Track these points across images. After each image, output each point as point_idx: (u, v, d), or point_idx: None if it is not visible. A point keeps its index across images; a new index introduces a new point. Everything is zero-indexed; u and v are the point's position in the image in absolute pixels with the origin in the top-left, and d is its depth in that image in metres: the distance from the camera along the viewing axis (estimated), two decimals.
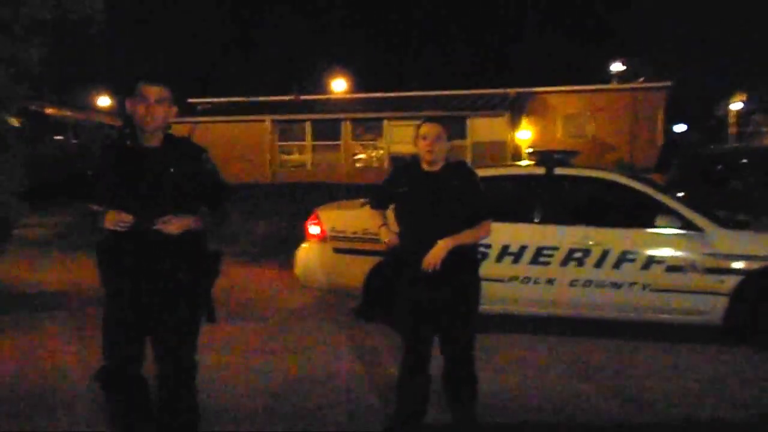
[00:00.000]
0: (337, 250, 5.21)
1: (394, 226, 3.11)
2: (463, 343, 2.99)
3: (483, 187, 3.00)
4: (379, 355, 4.44)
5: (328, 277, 5.29)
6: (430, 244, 2.84)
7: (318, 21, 35.58)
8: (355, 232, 5.17)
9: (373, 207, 3.28)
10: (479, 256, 3.09)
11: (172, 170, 2.50)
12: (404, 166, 3.17)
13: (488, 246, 4.70)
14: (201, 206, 2.60)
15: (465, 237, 2.90)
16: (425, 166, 2.97)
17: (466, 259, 2.97)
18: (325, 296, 5.92)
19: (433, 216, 2.90)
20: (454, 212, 2.91)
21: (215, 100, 24.93)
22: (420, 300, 2.94)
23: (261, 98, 23.85)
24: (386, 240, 3.10)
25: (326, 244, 5.25)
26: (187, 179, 2.53)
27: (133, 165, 2.49)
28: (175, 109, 2.55)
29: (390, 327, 4.93)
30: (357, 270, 5.10)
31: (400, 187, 3.01)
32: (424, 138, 2.92)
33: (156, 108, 2.46)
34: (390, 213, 3.15)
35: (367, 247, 5.09)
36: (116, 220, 2.41)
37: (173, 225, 2.43)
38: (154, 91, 2.47)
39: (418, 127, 2.99)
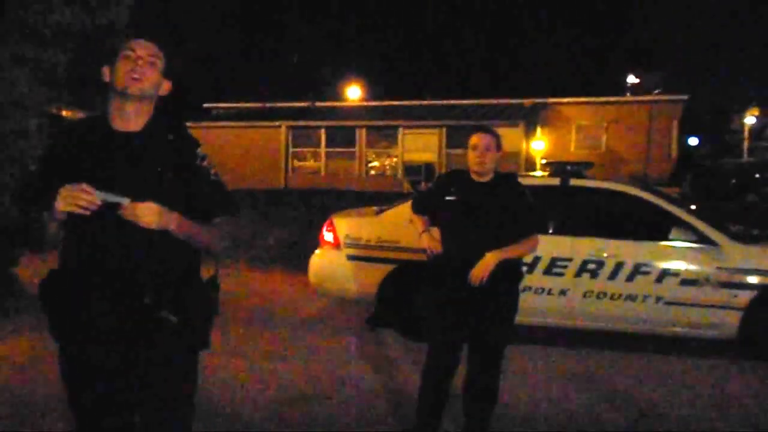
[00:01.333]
0: (351, 258, 5.25)
1: (436, 233, 3.06)
2: (494, 356, 2.94)
3: (532, 201, 2.96)
4: (391, 364, 4.47)
5: (342, 285, 5.32)
6: (477, 256, 2.80)
7: (334, 28, 35.79)
8: (369, 240, 5.22)
9: (415, 211, 3.23)
10: (523, 270, 3.10)
11: (155, 162, 1.83)
12: (453, 174, 3.13)
13: None
14: (188, 213, 1.87)
15: (513, 251, 2.87)
16: (474, 176, 2.94)
17: (511, 273, 2.93)
18: (338, 303, 5.96)
19: (482, 227, 2.86)
20: (502, 224, 2.87)
21: (230, 105, 25.16)
22: (459, 311, 2.88)
23: (276, 104, 24.05)
24: (428, 246, 3.04)
25: (340, 251, 5.29)
26: (175, 178, 1.85)
27: (102, 154, 1.82)
28: (168, 85, 1.92)
29: (402, 335, 4.97)
30: (371, 278, 5.13)
31: (448, 194, 2.95)
32: (475, 148, 2.89)
33: (145, 67, 1.83)
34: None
35: (382, 255, 5.14)
36: (73, 194, 1.68)
37: (151, 214, 1.72)
38: (144, 47, 1.85)
39: (469, 136, 2.95)
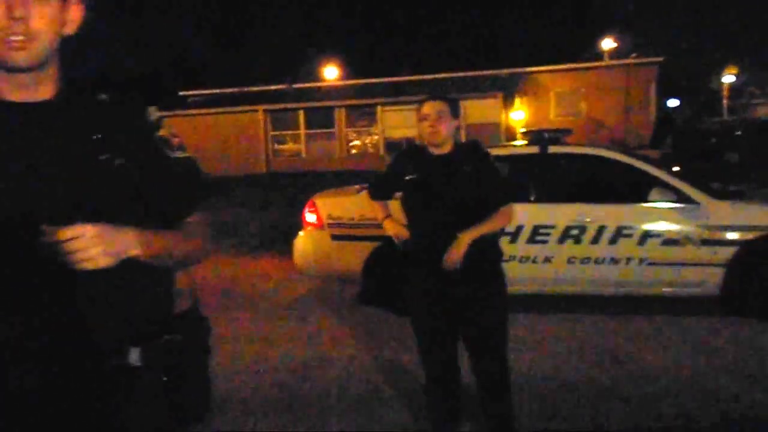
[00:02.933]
0: (335, 237, 5.23)
1: (400, 217, 2.80)
2: (493, 344, 2.64)
3: (500, 169, 2.68)
4: (380, 340, 4.48)
5: (327, 265, 5.31)
6: (448, 237, 2.51)
7: (308, 8, 35.29)
8: (351, 219, 5.19)
9: (373, 197, 2.95)
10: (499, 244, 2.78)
11: (82, 141, 1.17)
12: (409, 151, 2.82)
13: None
14: (149, 218, 1.24)
15: (487, 226, 2.57)
16: (433, 150, 2.63)
17: (490, 251, 2.64)
18: (324, 283, 5.95)
19: (448, 204, 2.56)
20: (470, 199, 2.57)
21: (207, 92, 24.82)
22: (439, 300, 2.62)
23: (253, 88, 23.77)
24: (394, 234, 2.79)
25: (324, 231, 5.27)
26: (118, 162, 1.18)
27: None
28: (77, 11, 1.19)
29: (390, 311, 4.98)
30: (355, 256, 5.12)
31: (406, 174, 2.64)
32: (426, 118, 2.57)
33: (28, 5, 1.08)
34: (394, 204, 2.84)
35: (365, 232, 5.11)
36: None
37: (94, 243, 1.05)
38: None
39: (418, 108, 2.64)
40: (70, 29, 1.19)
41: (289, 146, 21.97)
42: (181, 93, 24.54)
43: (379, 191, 2.94)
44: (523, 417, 3.09)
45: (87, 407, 1.19)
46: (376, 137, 21.12)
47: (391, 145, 19.90)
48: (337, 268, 5.28)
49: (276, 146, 21.87)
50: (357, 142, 21.52)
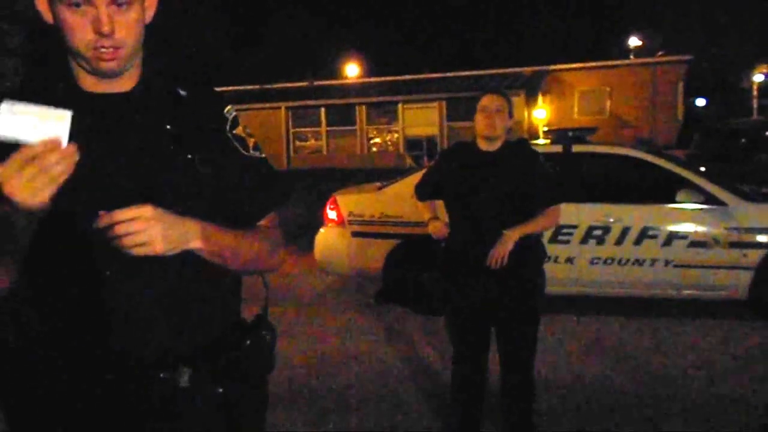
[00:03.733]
0: (356, 234, 5.22)
1: (444, 216, 2.77)
2: (525, 345, 2.62)
3: (549, 167, 2.65)
4: (399, 338, 4.46)
5: (348, 262, 5.30)
6: (493, 235, 2.49)
7: (329, 6, 35.37)
8: (372, 216, 5.18)
9: (419, 198, 2.92)
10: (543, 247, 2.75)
11: (157, 134, 1.14)
12: (456, 147, 2.80)
13: None
14: (219, 216, 1.18)
15: (533, 226, 2.55)
16: (482, 145, 2.61)
17: (533, 251, 2.62)
18: (344, 280, 5.95)
19: (494, 202, 2.53)
20: (517, 197, 2.54)
21: (229, 88, 25.02)
22: (477, 300, 2.60)
23: (275, 86, 23.90)
24: (434, 232, 2.77)
25: (344, 228, 5.26)
26: (193, 158, 1.15)
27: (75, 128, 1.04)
28: (153, 2, 1.18)
29: (410, 309, 4.97)
30: (376, 253, 5.11)
31: (450, 170, 2.65)
32: (484, 110, 2.55)
33: (110, 7, 1.06)
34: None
35: (385, 230, 5.11)
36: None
37: (151, 226, 1.00)
38: None
39: (478, 99, 2.61)
40: (149, 17, 1.16)
41: (310, 143, 22.06)
42: None
43: (425, 191, 2.90)
44: (540, 417, 3.04)
45: (124, 422, 1.12)
46: (396, 134, 21.11)
47: (411, 143, 19.89)
48: (357, 265, 5.27)
49: (297, 143, 21.97)
50: (377, 140, 21.53)
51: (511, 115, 2.62)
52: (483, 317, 2.65)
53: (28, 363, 1.12)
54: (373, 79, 24.67)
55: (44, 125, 0.89)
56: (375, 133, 21.51)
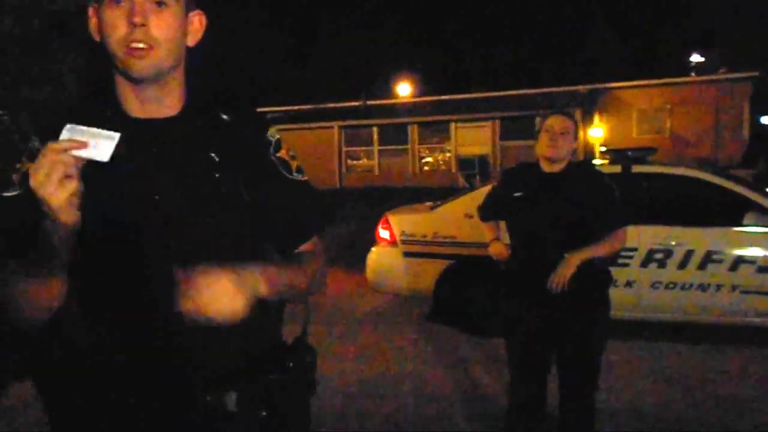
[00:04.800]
0: (408, 254, 5.21)
1: (506, 237, 2.75)
2: (586, 372, 2.55)
3: (615, 189, 2.58)
4: (451, 359, 4.41)
5: (399, 282, 5.29)
6: (555, 258, 2.46)
7: (383, 26, 35.86)
8: (424, 236, 5.17)
9: (483, 219, 2.93)
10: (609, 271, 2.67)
11: (202, 159, 1.15)
12: (518, 168, 2.78)
13: None
14: (264, 245, 1.25)
15: (597, 250, 2.50)
16: (545, 166, 2.58)
17: (597, 276, 2.56)
18: (396, 300, 5.94)
19: (557, 224, 2.50)
20: (581, 219, 2.50)
21: (283, 108, 25.58)
22: (539, 324, 2.55)
23: (328, 105, 24.30)
24: (495, 254, 2.78)
25: (396, 248, 5.27)
26: (242, 179, 1.17)
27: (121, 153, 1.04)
28: (200, 20, 1.18)
29: (461, 331, 4.92)
30: (427, 274, 5.09)
31: (514, 191, 2.62)
32: (548, 131, 2.52)
33: (150, 15, 1.07)
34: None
35: (438, 250, 5.09)
36: (42, 164, 0.97)
37: (220, 293, 1.01)
38: None
39: (542, 120, 2.59)
40: (192, 40, 1.17)
41: (362, 162, 22.26)
42: (257, 109, 25.38)
43: (488, 212, 2.91)
44: None
45: None
46: (448, 154, 21.06)
47: (463, 162, 19.78)
48: (408, 285, 5.25)
49: (349, 162, 22.22)
50: (429, 159, 21.53)
51: (576, 137, 2.59)
52: (544, 341, 2.59)
53: (75, 382, 1.13)
54: (425, 99, 24.75)
55: (95, 141, 0.99)
56: (427, 152, 21.53)
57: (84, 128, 1.00)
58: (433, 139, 21.41)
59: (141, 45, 1.06)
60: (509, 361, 2.72)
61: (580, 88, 21.05)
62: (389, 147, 21.58)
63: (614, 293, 4.56)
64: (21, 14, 2.30)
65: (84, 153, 0.99)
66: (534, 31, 35.32)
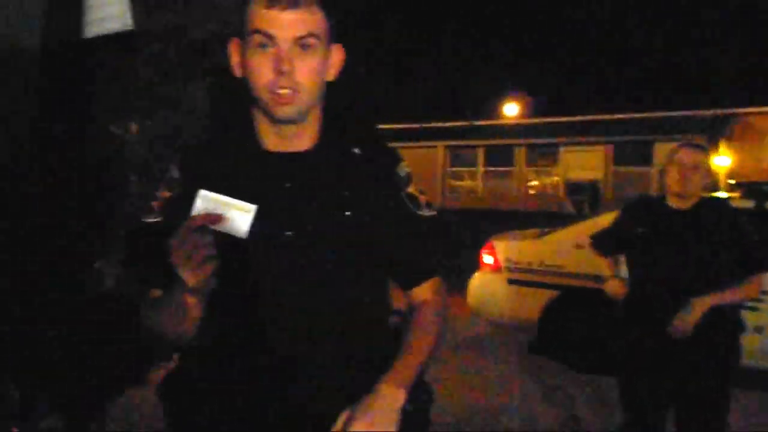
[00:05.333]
0: (512, 282, 5.08)
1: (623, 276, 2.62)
2: (709, 428, 2.39)
3: (751, 230, 2.40)
4: (554, 393, 4.22)
5: (502, 309, 5.16)
6: (679, 301, 2.32)
7: (491, 45, 35.63)
8: (530, 264, 5.02)
9: (601, 254, 2.79)
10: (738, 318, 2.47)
11: (337, 188, 1.17)
12: (643, 202, 2.66)
13: None
14: (389, 276, 1.28)
15: (727, 296, 2.34)
16: (673, 202, 2.43)
17: (726, 323, 2.39)
18: (498, 328, 5.79)
19: (683, 265, 2.35)
20: (711, 261, 2.34)
21: (388, 126, 25.96)
22: (658, 372, 2.40)
23: (433, 124, 24.42)
24: (611, 292, 2.64)
25: (500, 274, 5.15)
26: (372, 215, 1.18)
27: (256, 186, 1.11)
28: (339, 56, 1.19)
29: (566, 365, 4.71)
30: (532, 303, 4.92)
31: (637, 227, 2.48)
32: (678, 165, 2.37)
33: (294, 59, 1.08)
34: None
35: (545, 279, 4.92)
36: (181, 244, 1.01)
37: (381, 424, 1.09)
38: (288, 20, 1.07)
39: (672, 152, 2.45)
40: (331, 75, 1.18)
41: (466, 183, 22.12)
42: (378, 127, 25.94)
43: (607, 247, 2.76)
44: None
45: None
46: (556, 178, 20.42)
47: (572, 187, 19.10)
48: (511, 313, 5.11)
49: (452, 182, 22.14)
50: (536, 182, 21.00)
51: (709, 172, 2.42)
52: (662, 389, 2.42)
53: (206, 410, 1.16)
54: (534, 120, 24.24)
55: (230, 214, 0.98)
56: (533, 175, 21.02)
57: (218, 197, 0.98)
58: (540, 162, 20.88)
59: (286, 91, 1.08)
60: (623, 408, 2.55)
61: (705, 112, 19.72)
62: (494, 168, 21.30)
63: (743, 339, 4.22)
64: (167, 40, 2.50)
65: (222, 228, 0.98)
66: (653, 50, 33.60)
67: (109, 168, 2.57)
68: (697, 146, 2.47)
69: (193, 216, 0.98)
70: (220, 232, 0.98)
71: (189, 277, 0.99)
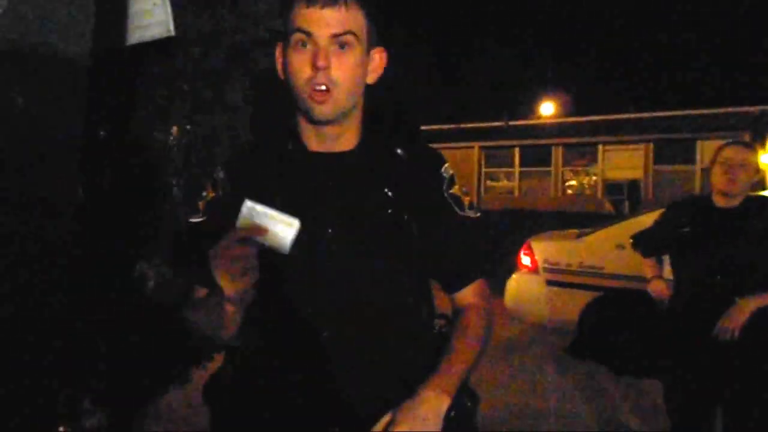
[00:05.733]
0: (551, 283, 5.01)
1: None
2: (759, 429, 2.33)
3: None
4: (594, 396, 4.15)
5: (540, 311, 5.10)
6: (725, 302, 2.28)
7: (526, 44, 35.22)
8: (569, 265, 4.95)
9: (644, 255, 2.76)
10: None
11: (376, 196, 1.16)
12: (688, 202, 2.63)
13: None
14: (431, 276, 1.26)
15: None
16: (719, 201, 2.40)
17: None
18: (535, 329, 5.72)
19: (729, 265, 2.32)
20: (758, 261, 2.31)
21: (424, 127, 25.92)
22: (704, 374, 2.36)
23: (469, 124, 24.28)
24: (654, 293, 2.64)
25: (538, 275, 5.09)
26: (415, 216, 1.17)
27: (298, 189, 1.15)
28: (381, 57, 1.19)
29: (605, 367, 4.63)
30: (571, 305, 4.86)
31: (681, 227, 2.45)
32: (725, 163, 2.35)
33: (332, 56, 1.09)
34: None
35: (584, 281, 4.84)
36: (222, 254, 1.03)
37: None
38: (325, 17, 1.08)
39: (718, 150, 2.43)
40: (372, 78, 1.18)
41: (502, 183, 21.91)
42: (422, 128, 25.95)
43: (651, 247, 2.73)
44: None
45: None
46: (594, 177, 20.05)
47: (610, 187, 18.74)
48: (550, 315, 5.05)
49: (488, 182, 21.97)
50: (573, 182, 20.66)
51: (757, 170, 2.36)
52: (708, 392, 2.37)
53: (248, 411, 1.16)
54: (571, 119, 23.86)
55: (274, 228, 0.98)
56: (571, 175, 20.68)
57: (263, 209, 0.98)
58: (578, 161, 20.54)
59: (322, 87, 1.08)
60: (668, 411, 2.50)
61: (751, 109, 19.09)
62: (531, 168, 21.04)
63: None
64: (206, 45, 2.55)
65: (265, 240, 0.98)
66: (694, 45, 32.71)
67: (152, 172, 2.63)
68: (744, 144, 2.44)
69: (237, 227, 0.99)
70: (262, 244, 0.99)
71: (228, 286, 0.99)
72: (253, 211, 0.98)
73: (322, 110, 1.10)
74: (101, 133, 2.47)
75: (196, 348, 2.66)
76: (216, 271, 0.99)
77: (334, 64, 1.08)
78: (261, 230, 0.98)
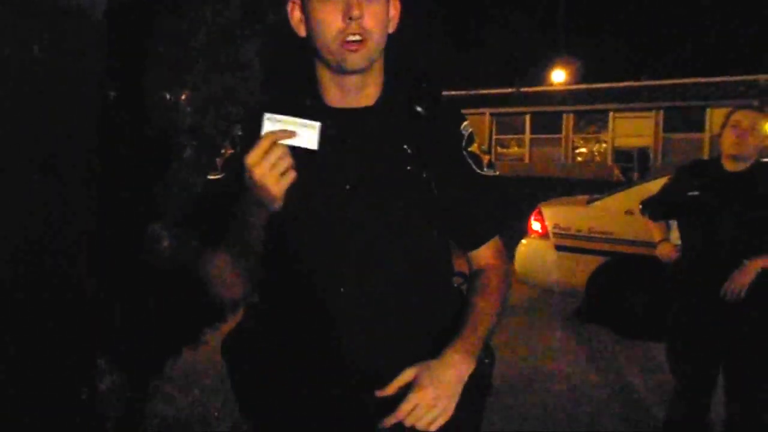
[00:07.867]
0: (560, 248, 5.03)
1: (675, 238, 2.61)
2: (762, 392, 2.36)
3: None
4: (601, 359, 4.21)
5: (549, 276, 5.13)
6: (732, 263, 2.31)
7: (537, 10, 34.53)
8: (579, 230, 4.96)
9: (652, 218, 2.77)
10: None
11: (396, 153, 1.16)
12: (695, 166, 2.62)
13: None
14: (448, 235, 1.24)
15: None
16: (728, 165, 2.41)
17: None
18: (545, 294, 5.77)
19: (737, 227, 2.33)
20: (764, 224, 2.33)
21: None
22: (710, 333, 2.39)
23: (480, 91, 24.01)
24: (662, 255, 2.67)
25: (548, 241, 5.10)
26: (434, 173, 1.17)
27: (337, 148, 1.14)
28: (396, 13, 1.19)
29: (612, 330, 4.69)
30: (580, 270, 4.88)
31: (689, 190, 2.45)
32: (734, 126, 2.35)
33: (363, 3, 1.08)
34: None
35: (593, 246, 4.86)
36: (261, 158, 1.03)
37: (433, 408, 1.05)
38: None
39: (728, 114, 2.43)
40: (392, 27, 1.17)
41: (513, 150, 21.81)
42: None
43: (659, 211, 2.74)
44: None
45: None
46: (604, 145, 19.92)
47: (620, 154, 18.62)
48: (559, 279, 5.08)
49: (499, 149, 21.85)
50: (583, 149, 20.53)
51: (766, 135, 2.37)
52: (714, 353, 2.41)
53: (267, 367, 1.16)
54: (582, 86, 23.55)
55: (299, 132, 1.02)
56: (581, 142, 20.53)
57: (283, 117, 1.02)
58: (588, 128, 20.37)
59: (357, 38, 1.08)
60: (672, 371, 2.55)
61: (760, 77, 18.75)
62: (541, 136, 20.89)
63: None
64: (218, 3, 2.50)
65: (294, 142, 1.01)
66: (705, 14, 31.95)
67: (164, 133, 2.62)
68: (755, 108, 2.47)
69: (266, 133, 1.00)
70: (292, 147, 1.01)
71: (275, 187, 0.99)
72: (275, 120, 1.02)
73: (355, 59, 1.10)
74: (111, 94, 2.45)
75: (209, 309, 2.74)
76: (256, 177, 0.99)
77: (367, 13, 1.08)
78: (289, 133, 1.00)
